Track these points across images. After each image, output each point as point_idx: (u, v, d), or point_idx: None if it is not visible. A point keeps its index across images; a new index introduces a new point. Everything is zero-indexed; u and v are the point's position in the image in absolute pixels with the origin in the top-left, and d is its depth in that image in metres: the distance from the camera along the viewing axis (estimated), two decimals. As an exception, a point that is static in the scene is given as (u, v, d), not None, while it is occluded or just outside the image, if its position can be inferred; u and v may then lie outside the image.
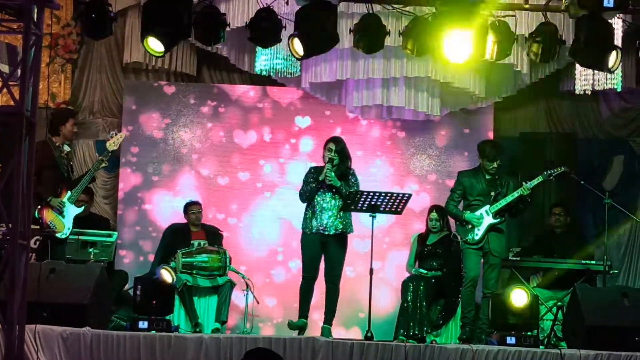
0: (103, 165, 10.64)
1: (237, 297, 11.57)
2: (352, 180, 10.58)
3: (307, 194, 10.53)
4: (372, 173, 12.84)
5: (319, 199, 10.47)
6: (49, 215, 10.18)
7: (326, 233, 10.42)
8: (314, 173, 10.60)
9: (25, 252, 7.89)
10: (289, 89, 12.86)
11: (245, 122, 12.94)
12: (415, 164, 12.98)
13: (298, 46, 9.48)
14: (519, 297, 10.03)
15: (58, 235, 10.25)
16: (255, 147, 12.92)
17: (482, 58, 9.81)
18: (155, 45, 9.50)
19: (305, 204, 10.59)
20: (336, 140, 10.68)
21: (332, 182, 10.39)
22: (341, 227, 10.44)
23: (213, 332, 10.42)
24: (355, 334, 12.16)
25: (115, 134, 10.82)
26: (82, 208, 10.55)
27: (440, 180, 12.92)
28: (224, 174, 12.85)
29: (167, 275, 10.48)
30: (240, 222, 12.76)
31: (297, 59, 10.44)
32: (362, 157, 12.69)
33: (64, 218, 10.28)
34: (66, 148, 10.62)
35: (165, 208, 12.72)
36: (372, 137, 12.98)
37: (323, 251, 10.51)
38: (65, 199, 10.28)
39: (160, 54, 9.78)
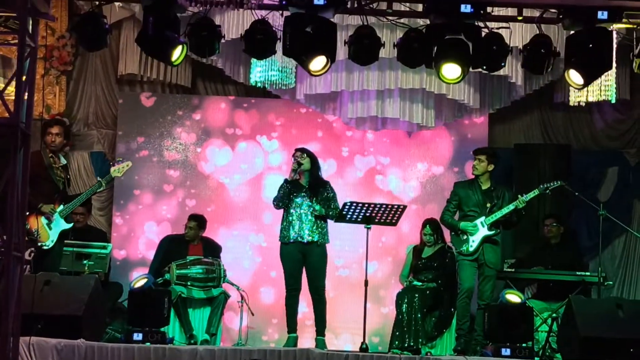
0: (101, 189, 10.64)
1: (231, 317, 11.66)
2: (330, 194, 10.61)
3: (279, 198, 10.53)
4: (360, 169, 12.98)
5: (294, 209, 10.49)
6: (35, 223, 10.14)
7: (305, 241, 10.42)
8: (287, 182, 10.60)
9: (19, 263, 7.87)
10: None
11: (225, 134, 13.01)
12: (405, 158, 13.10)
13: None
14: (513, 297, 10.12)
15: (42, 245, 10.22)
16: (235, 161, 12.99)
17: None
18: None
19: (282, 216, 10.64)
20: (302, 148, 10.77)
21: (318, 212, 10.43)
22: (318, 237, 10.45)
23: (202, 344, 10.41)
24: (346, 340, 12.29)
25: (122, 162, 10.71)
26: (70, 225, 10.50)
27: (430, 173, 13.02)
28: (207, 190, 12.93)
29: (139, 282, 10.23)
30: (228, 237, 12.73)
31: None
32: (347, 156, 12.92)
33: (50, 230, 10.24)
34: (62, 161, 10.60)
35: (145, 225, 12.83)
36: (357, 136, 13.06)
37: (303, 261, 10.50)
38: (57, 211, 10.27)
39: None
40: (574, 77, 9.45)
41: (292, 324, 10.53)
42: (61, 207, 10.33)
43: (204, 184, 12.90)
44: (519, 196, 10.57)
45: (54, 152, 10.46)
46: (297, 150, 10.71)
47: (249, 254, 12.78)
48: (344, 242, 12.25)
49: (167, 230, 12.56)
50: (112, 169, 10.61)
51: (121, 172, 10.60)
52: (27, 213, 9.85)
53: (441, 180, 12.93)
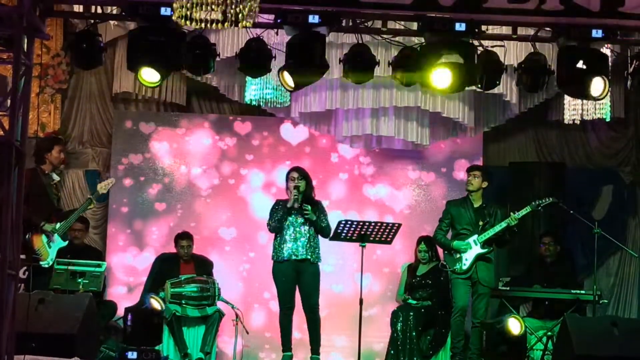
0: (92, 205, 10.70)
1: (225, 337, 11.66)
2: (321, 210, 10.60)
3: (275, 224, 10.50)
4: (349, 179, 12.93)
5: (288, 227, 10.45)
6: (37, 242, 10.15)
7: (299, 259, 10.38)
8: (281, 205, 10.58)
9: (14, 282, 7.86)
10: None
11: (212, 152, 12.95)
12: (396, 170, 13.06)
13: (288, 78, 9.44)
14: (514, 326, 10.10)
15: (42, 263, 10.22)
16: (223, 180, 12.93)
17: (469, 86, 9.83)
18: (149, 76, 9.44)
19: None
20: (298, 169, 10.72)
21: (309, 216, 10.39)
22: (312, 256, 10.42)
23: (197, 363, 10.44)
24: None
25: (107, 178, 11.06)
26: (66, 242, 10.50)
27: (422, 182, 12.98)
28: (193, 209, 12.87)
29: (156, 304, 10.65)
30: (218, 256, 12.60)
31: (289, 91, 10.49)
32: (336, 167, 12.89)
33: (50, 248, 10.25)
34: (55, 177, 10.60)
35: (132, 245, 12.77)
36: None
37: (297, 279, 10.47)
38: (55, 229, 10.29)
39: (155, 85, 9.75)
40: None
41: (286, 342, 10.49)
42: (58, 224, 10.34)
43: (191, 203, 12.81)
44: (511, 213, 10.58)
45: (52, 169, 10.52)
46: (293, 170, 10.68)
47: (241, 274, 12.70)
48: (338, 256, 12.21)
49: (154, 249, 12.50)
50: (98, 186, 10.84)
51: (105, 189, 10.86)
52: (31, 232, 9.95)
53: (432, 189, 12.89)
